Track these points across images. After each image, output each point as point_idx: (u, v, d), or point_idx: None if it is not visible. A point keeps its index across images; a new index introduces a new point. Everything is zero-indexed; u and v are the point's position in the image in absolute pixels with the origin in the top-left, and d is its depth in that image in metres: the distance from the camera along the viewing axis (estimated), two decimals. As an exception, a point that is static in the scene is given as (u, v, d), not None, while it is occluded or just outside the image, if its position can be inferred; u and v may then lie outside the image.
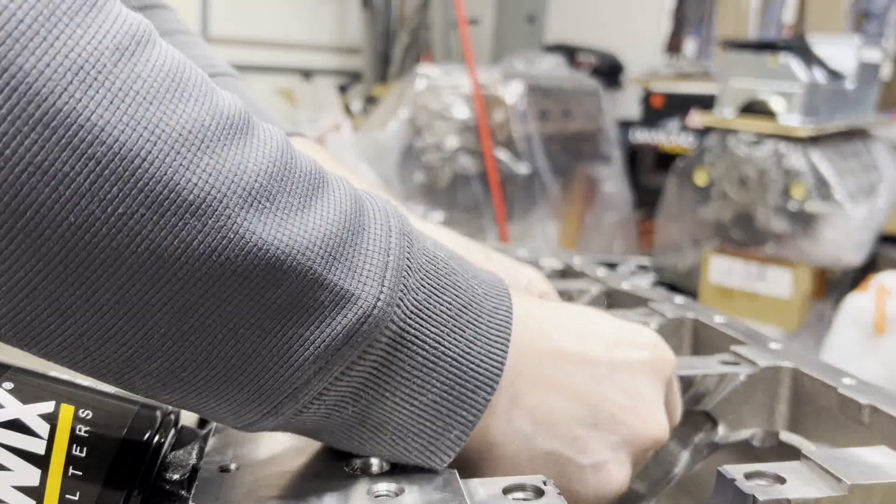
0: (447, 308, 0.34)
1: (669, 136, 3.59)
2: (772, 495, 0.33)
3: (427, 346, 0.33)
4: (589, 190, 3.48)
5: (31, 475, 0.33)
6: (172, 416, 0.38)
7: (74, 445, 0.34)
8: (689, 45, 4.10)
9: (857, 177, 2.48)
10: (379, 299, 0.31)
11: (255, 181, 0.29)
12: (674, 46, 4.15)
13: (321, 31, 4.85)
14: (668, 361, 0.42)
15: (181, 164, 0.27)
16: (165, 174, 0.27)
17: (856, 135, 2.67)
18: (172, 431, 0.38)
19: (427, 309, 0.33)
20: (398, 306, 0.32)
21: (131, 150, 0.26)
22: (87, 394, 0.36)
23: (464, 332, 0.35)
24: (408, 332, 0.33)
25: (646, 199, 3.57)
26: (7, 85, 0.24)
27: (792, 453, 0.50)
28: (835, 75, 2.51)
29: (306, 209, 0.30)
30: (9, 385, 0.35)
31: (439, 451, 0.35)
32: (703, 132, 2.79)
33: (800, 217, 2.40)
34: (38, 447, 0.33)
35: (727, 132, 2.50)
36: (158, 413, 0.37)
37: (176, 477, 0.36)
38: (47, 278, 0.26)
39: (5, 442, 0.33)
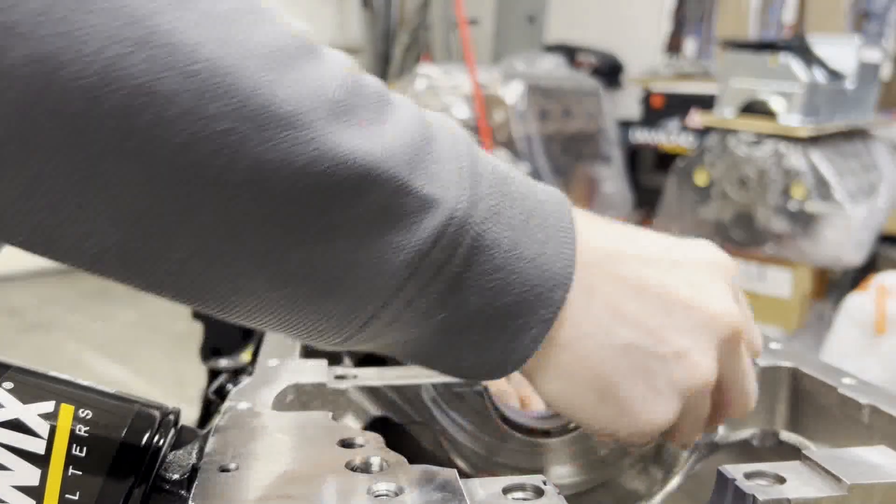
0: (518, 212, 0.35)
1: (669, 136, 3.59)
2: (772, 495, 0.33)
3: (503, 249, 0.34)
4: (589, 190, 3.49)
5: (31, 475, 0.33)
6: (172, 416, 0.38)
7: (74, 445, 0.34)
8: (689, 45, 4.10)
9: (857, 177, 2.48)
10: (459, 202, 0.33)
11: (335, 95, 0.30)
12: (674, 46, 4.15)
13: (321, 31, 4.85)
14: (726, 259, 0.42)
15: (271, 80, 0.28)
16: (259, 89, 0.28)
17: (856, 135, 2.67)
18: (172, 431, 0.38)
19: (499, 213, 0.35)
20: (475, 210, 0.33)
21: (225, 66, 0.27)
22: (87, 393, 0.36)
23: (535, 235, 0.36)
24: (485, 236, 0.34)
25: (646, 199, 3.57)
26: (109, 9, 0.25)
27: (792, 453, 0.50)
28: (835, 75, 2.51)
29: (381, 121, 0.32)
30: (9, 385, 0.35)
31: (519, 349, 0.36)
32: (703, 132, 2.79)
33: (800, 217, 2.40)
34: (37, 447, 0.33)
35: (727, 132, 2.50)
36: (158, 413, 0.37)
37: (176, 477, 0.36)
38: (156, 201, 0.27)
39: (5, 441, 0.33)
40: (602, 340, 0.37)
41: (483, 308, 0.35)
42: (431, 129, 0.34)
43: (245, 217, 0.28)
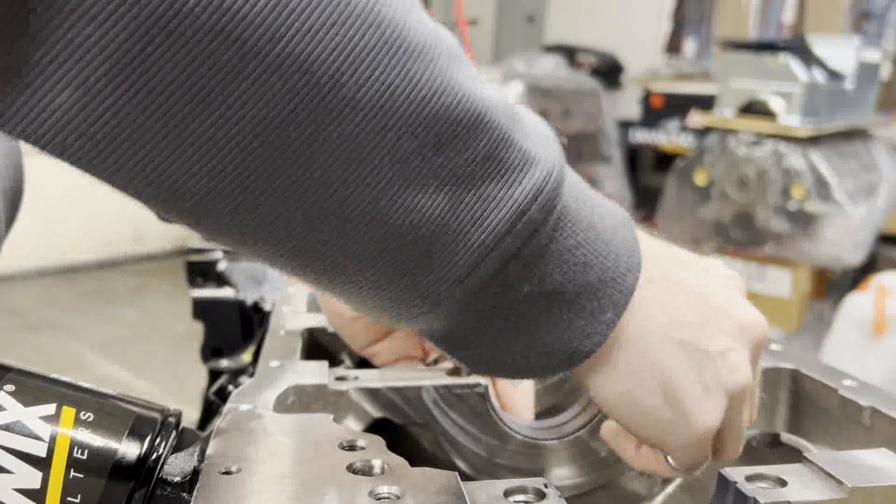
0: (590, 196, 0.37)
1: (669, 137, 3.59)
2: (773, 498, 0.33)
3: (583, 226, 0.35)
4: (588, 190, 3.48)
5: (33, 477, 0.33)
6: (173, 419, 0.38)
7: (76, 448, 0.34)
8: (689, 46, 4.11)
9: (856, 177, 2.48)
10: (554, 165, 0.33)
11: (450, 43, 0.32)
12: (673, 47, 4.15)
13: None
14: (738, 277, 0.43)
15: (404, 12, 0.30)
16: (394, 17, 0.29)
17: (855, 135, 2.67)
18: (173, 434, 0.38)
19: (578, 192, 0.36)
20: (563, 179, 0.34)
21: None
22: (88, 396, 0.36)
23: (605, 220, 0.36)
24: (570, 209, 0.35)
25: (645, 199, 3.57)
26: None
27: (792, 454, 0.50)
28: (834, 75, 2.51)
29: (481, 79, 0.33)
30: (10, 387, 0.35)
31: (595, 334, 0.36)
32: (703, 132, 2.79)
33: (799, 217, 2.40)
34: (39, 450, 0.33)
35: (727, 132, 2.50)
36: (159, 415, 0.37)
37: (177, 479, 0.36)
38: (293, 116, 0.27)
39: (6, 444, 0.33)
40: (663, 336, 0.38)
41: (564, 285, 0.35)
42: (512, 103, 0.35)
43: (368, 144, 0.29)
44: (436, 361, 0.58)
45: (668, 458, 0.41)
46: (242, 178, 0.29)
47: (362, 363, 0.61)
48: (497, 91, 0.33)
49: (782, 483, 0.35)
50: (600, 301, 0.36)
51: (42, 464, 0.33)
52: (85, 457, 0.34)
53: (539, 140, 0.34)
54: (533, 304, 0.35)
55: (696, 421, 0.38)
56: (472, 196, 0.32)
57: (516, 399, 0.53)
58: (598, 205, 0.37)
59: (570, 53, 4.08)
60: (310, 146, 0.28)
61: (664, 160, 3.50)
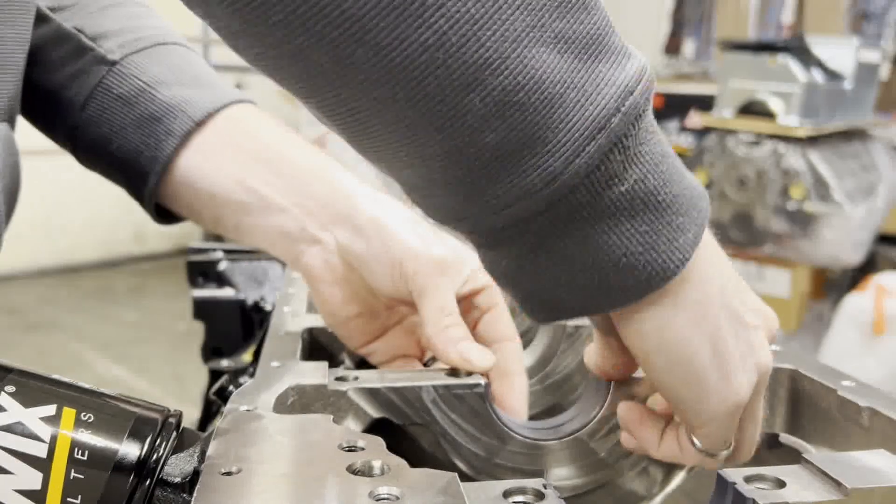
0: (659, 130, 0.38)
1: (669, 137, 3.58)
2: (771, 499, 0.33)
3: (665, 143, 0.36)
4: (588, 190, 3.48)
5: (33, 478, 0.33)
6: (173, 420, 0.38)
7: (76, 448, 0.34)
8: (688, 46, 4.11)
9: (855, 177, 2.48)
10: (645, 63, 0.35)
11: None
12: (673, 47, 4.15)
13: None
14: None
15: None
16: None
17: (854, 135, 2.67)
18: (174, 434, 0.38)
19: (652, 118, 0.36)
20: (648, 87, 0.35)
21: None
22: (88, 397, 0.36)
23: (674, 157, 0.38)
24: (654, 125, 0.36)
25: (645, 200, 3.56)
26: None
27: (791, 455, 0.50)
28: (833, 76, 2.51)
29: None
30: (10, 388, 0.35)
31: (679, 250, 0.36)
32: (702, 132, 2.79)
33: (798, 217, 2.40)
34: (39, 450, 0.33)
35: (726, 132, 2.50)
36: (160, 416, 0.37)
37: (178, 480, 0.36)
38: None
39: (7, 445, 0.33)
40: (720, 294, 0.39)
41: (655, 191, 0.35)
42: None
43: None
44: (433, 360, 0.58)
45: (694, 438, 0.42)
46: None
47: (362, 364, 0.61)
48: None
49: (781, 484, 0.35)
50: (684, 218, 0.36)
51: (42, 464, 0.33)
52: (85, 457, 0.34)
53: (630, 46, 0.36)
54: (626, 207, 0.35)
55: (733, 387, 0.39)
56: (588, 68, 0.33)
57: (510, 399, 0.53)
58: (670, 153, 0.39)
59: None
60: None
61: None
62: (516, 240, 0.36)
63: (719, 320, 0.39)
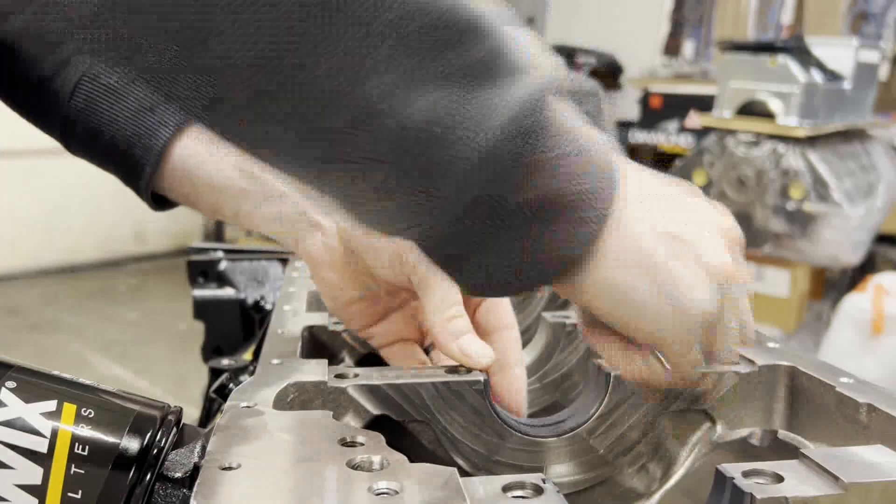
0: (574, 117, 0.40)
1: (668, 137, 3.60)
2: (770, 493, 0.33)
3: (570, 138, 0.39)
4: (588, 190, 3.48)
5: (34, 473, 0.33)
6: (173, 416, 0.38)
7: (76, 444, 0.34)
8: (688, 47, 4.11)
9: (854, 177, 2.49)
10: (546, 77, 0.38)
11: None
12: (672, 48, 4.15)
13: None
14: (719, 205, 0.48)
15: None
16: None
17: (854, 135, 2.67)
18: (174, 430, 0.38)
19: (563, 110, 0.39)
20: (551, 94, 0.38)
21: None
22: (89, 393, 0.36)
23: (591, 136, 0.40)
24: (554, 123, 0.38)
25: (644, 200, 3.57)
26: None
27: (790, 452, 0.50)
28: (833, 76, 2.51)
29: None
30: (11, 384, 0.35)
31: (586, 236, 0.39)
32: (702, 133, 2.80)
33: (798, 217, 2.40)
34: (40, 445, 0.34)
35: (725, 133, 2.50)
36: (160, 412, 0.37)
37: (178, 475, 0.36)
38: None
39: (7, 440, 0.33)
40: (649, 226, 0.41)
41: (559, 195, 0.38)
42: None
43: (366, 51, 0.33)
44: (433, 345, 0.58)
45: (662, 359, 0.44)
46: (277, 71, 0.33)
47: (362, 361, 0.61)
48: (493, 6, 0.37)
49: (779, 479, 0.35)
50: (592, 198, 0.39)
51: (43, 459, 0.33)
52: (86, 452, 0.34)
53: (534, 52, 0.38)
54: (529, 215, 0.38)
55: (690, 305, 0.42)
56: (477, 95, 0.35)
57: (509, 391, 0.53)
58: (580, 125, 0.40)
59: (569, 54, 4.08)
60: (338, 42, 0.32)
61: (663, 161, 3.50)
62: (435, 251, 0.42)
63: (653, 252, 0.41)
